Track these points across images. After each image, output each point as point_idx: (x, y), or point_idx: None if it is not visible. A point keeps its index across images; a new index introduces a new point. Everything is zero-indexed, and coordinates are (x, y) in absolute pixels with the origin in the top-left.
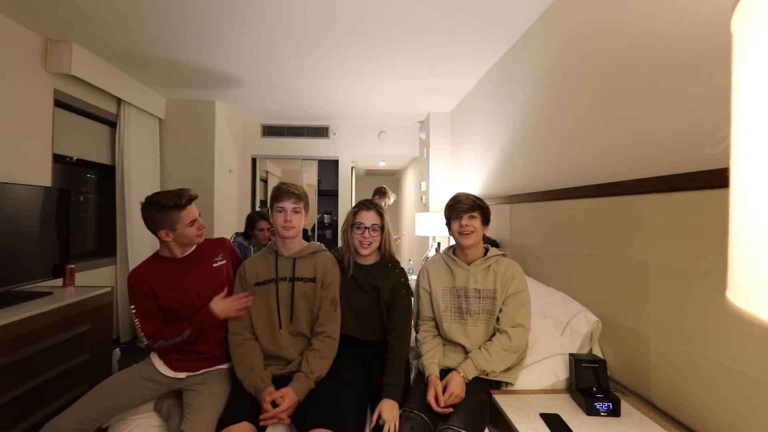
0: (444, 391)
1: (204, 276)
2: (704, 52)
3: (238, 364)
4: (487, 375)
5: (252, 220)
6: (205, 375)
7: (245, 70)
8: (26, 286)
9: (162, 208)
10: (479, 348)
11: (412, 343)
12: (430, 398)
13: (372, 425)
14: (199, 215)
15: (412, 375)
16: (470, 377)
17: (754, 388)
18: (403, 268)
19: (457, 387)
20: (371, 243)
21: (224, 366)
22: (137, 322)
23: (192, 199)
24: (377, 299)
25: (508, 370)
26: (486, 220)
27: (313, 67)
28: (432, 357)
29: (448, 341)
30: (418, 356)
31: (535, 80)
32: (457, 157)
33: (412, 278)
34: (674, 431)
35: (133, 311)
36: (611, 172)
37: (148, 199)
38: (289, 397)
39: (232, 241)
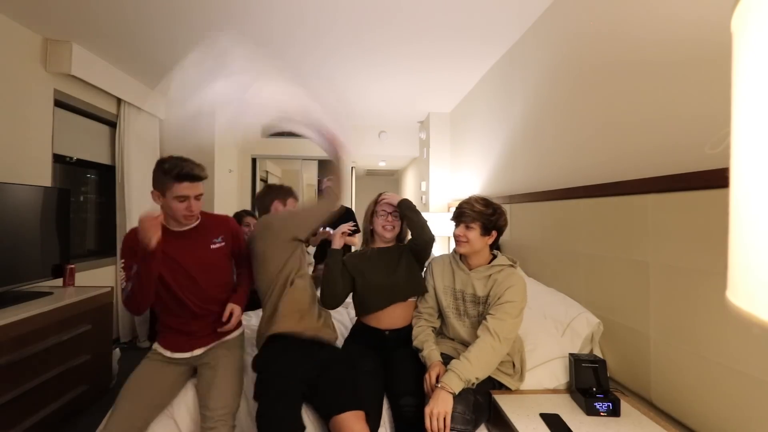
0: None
1: (198, 256)
2: (704, 52)
3: None
4: (473, 384)
5: (239, 218)
6: (219, 347)
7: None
8: (26, 286)
9: (163, 171)
10: (459, 358)
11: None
12: (431, 384)
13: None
14: (195, 198)
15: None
16: (456, 390)
17: (754, 388)
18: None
19: (444, 406)
20: (393, 227)
21: (235, 334)
22: (122, 277)
23: (189, 175)
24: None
25: (508, 375)
26: (487, 231)
27: (313, 67)
28: (431, 345)
29: (451, 340)
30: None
31: (536, 80)
32: (457, 157)
33: None
34: (674, 431)
35: (122, 266)
36: (611, 172)
37: (162, 158)
38: None
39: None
